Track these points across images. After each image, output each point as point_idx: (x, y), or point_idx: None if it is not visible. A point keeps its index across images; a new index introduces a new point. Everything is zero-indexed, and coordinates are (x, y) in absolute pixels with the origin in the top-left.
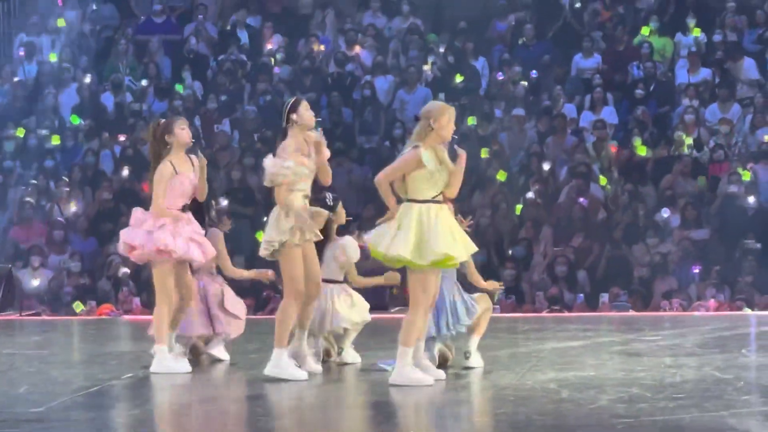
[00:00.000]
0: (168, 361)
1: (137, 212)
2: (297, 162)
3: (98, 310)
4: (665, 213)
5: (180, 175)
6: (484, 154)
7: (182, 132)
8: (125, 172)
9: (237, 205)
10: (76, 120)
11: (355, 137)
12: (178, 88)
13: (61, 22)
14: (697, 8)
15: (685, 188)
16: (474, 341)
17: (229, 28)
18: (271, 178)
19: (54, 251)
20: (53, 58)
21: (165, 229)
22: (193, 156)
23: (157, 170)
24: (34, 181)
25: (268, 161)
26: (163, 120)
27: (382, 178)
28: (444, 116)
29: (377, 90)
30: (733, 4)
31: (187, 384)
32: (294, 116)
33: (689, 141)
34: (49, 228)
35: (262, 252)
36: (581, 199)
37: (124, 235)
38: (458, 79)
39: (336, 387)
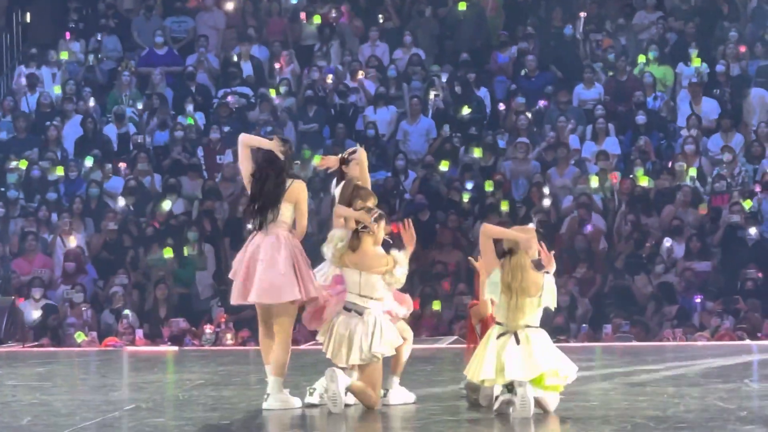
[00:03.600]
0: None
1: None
2: None
3: (104, 342)
4: (667, 242)
5: None
6: (489, 186)
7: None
8: (128, 203)
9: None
10: (90, 160)
11: None
12: (189, 120)
13: (64, 54)
14: (698, 38)
15: (687, 218)
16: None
17: (236, 59)
18: None
19: (56, 282)
20: (57, 90)
21: None
22: None
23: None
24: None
25: None
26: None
27: None
28: None
29: (379, 121)
30: (735, 35)
31: (190, 413)
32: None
33: (693, 172)
34: (52, 260)
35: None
36: (588, 226)
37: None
38: (465, 110)
39: None
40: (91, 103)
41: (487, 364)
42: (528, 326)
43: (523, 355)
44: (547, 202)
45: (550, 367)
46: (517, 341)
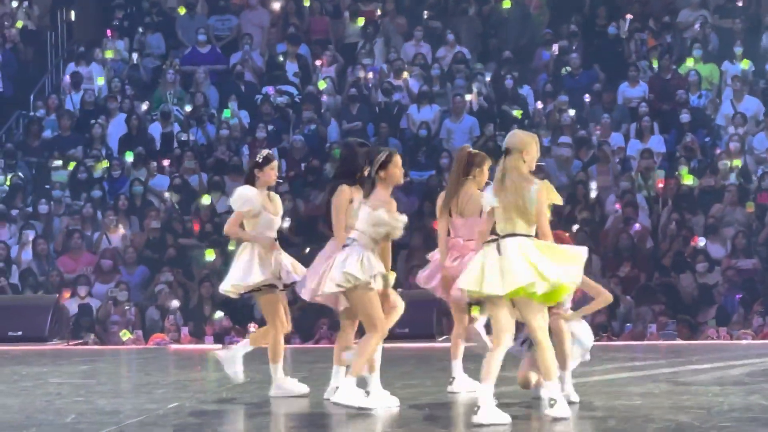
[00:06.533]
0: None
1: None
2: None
3: (150, 340)
4: (701, 241)
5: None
6: None
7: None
8: (173, 200)
9: (288, 233)
10: (130, 155)
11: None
12: (226, 113)
13: (109, 53)
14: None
15: (733, 217)
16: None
17: (281, 59)
18: (387, 229)
19: (101, 280)
20: (101, 81)
21: None
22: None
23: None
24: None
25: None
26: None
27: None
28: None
29: (423, 120)
30: None
31: (233, 411)
32: (382, 173)
33: (737, 162)
34: (97, 257)
35: (338, 286)
36: (636, 225)
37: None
38: (517, 113)
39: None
40: (135, 101)
41: (471, 271)
42: (515, 234)
43: (502, 268)
44: (592, 199)
45: (528, 281)
46: (498, 251)
